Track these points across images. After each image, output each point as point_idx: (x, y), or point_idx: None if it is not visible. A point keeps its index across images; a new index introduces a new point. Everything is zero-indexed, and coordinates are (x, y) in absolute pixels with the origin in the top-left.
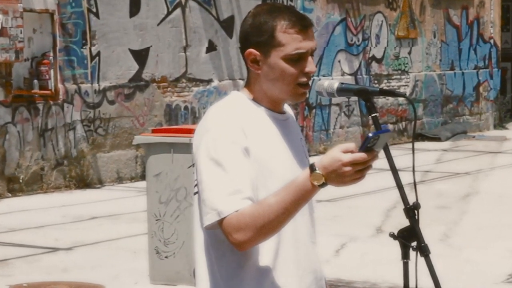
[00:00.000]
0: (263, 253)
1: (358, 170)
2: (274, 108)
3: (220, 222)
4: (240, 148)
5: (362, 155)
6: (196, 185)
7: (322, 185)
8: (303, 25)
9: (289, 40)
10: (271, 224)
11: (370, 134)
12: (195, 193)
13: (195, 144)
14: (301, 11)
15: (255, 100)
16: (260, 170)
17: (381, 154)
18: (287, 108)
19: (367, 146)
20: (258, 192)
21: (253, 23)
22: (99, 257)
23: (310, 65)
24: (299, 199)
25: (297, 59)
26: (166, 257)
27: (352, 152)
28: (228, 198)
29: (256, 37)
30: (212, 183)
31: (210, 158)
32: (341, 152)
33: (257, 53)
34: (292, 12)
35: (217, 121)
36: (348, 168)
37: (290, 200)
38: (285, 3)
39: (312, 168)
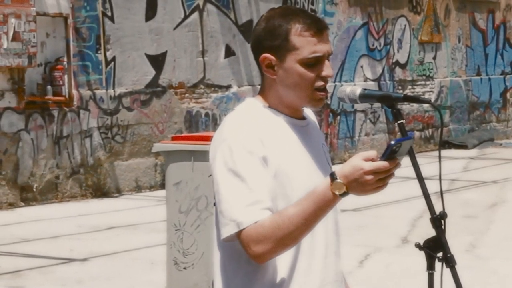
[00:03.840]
0: (279, 265)
1: (381, 179)
2: (292, 114)
3: (239, 234)
4: (257, 158)
5: (384, 164)
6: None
7: (344, 194)
8: (318, 27)
9: (304, 44)
10: (291, 235)
11: (392, 142)
12: (214, 204)
13: (212, 154)
14: (322, 15)
15: (271, 106)
16: (279, 179)
17: (407, 162)
18: (308, 113)
19: (389, 154)
20: (277, 201)
21: (266, 26)
22: (115, 268)
23: (327, 69)
24: (320, 209)
25: (314, 63)
26: (184, 268)
27: (373, 160)
28: (247, 209)
29: (270, 41)
30: (230, 194)
31: (228, 168)
32: (362, 160)
33: (272, 57)
34: (306, 15)
35: (233, 130)
36: (370, 177)
37: (311, 210)
38: (306, 7)
39: (332, 177)
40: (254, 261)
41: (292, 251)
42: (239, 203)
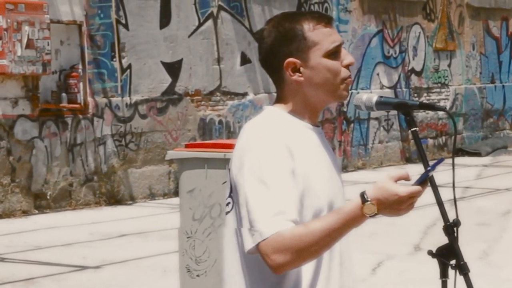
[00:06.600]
0: (303, 274)
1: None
2: (313, 120)
3: (259, 243)
4: (286, 168)
5: (419, 189)
6: (228, 203)
7: (373, 215)
8: (327, 18)
9: (322, 36)
10: (312, 248)
11: (429, 168)
12: (226, 213)
13: (236, 165)
14: (337, 23)
15: (294, 114)
16: (305, 187)
17: (421, 169)
18: None
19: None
20: (304, 211)
21: (277, 34)
22: (127, 276)
23: (348, 57)
24: (345, 227)
25: (335, 53)
26: (197, 275)
27: (406, 179)
28: (271, 219)
29: (286, 46)
30: (257, 204)
31: (255, 177)
32: (394, 181)
33: (296, 60)
34: (310, 12)
35: (259, 140)
36: (405, 203)
37: (336, 227)
38: None
39: (363, 198)
40: (272, 271)
41: (314, 260)
42: (264, 213)
